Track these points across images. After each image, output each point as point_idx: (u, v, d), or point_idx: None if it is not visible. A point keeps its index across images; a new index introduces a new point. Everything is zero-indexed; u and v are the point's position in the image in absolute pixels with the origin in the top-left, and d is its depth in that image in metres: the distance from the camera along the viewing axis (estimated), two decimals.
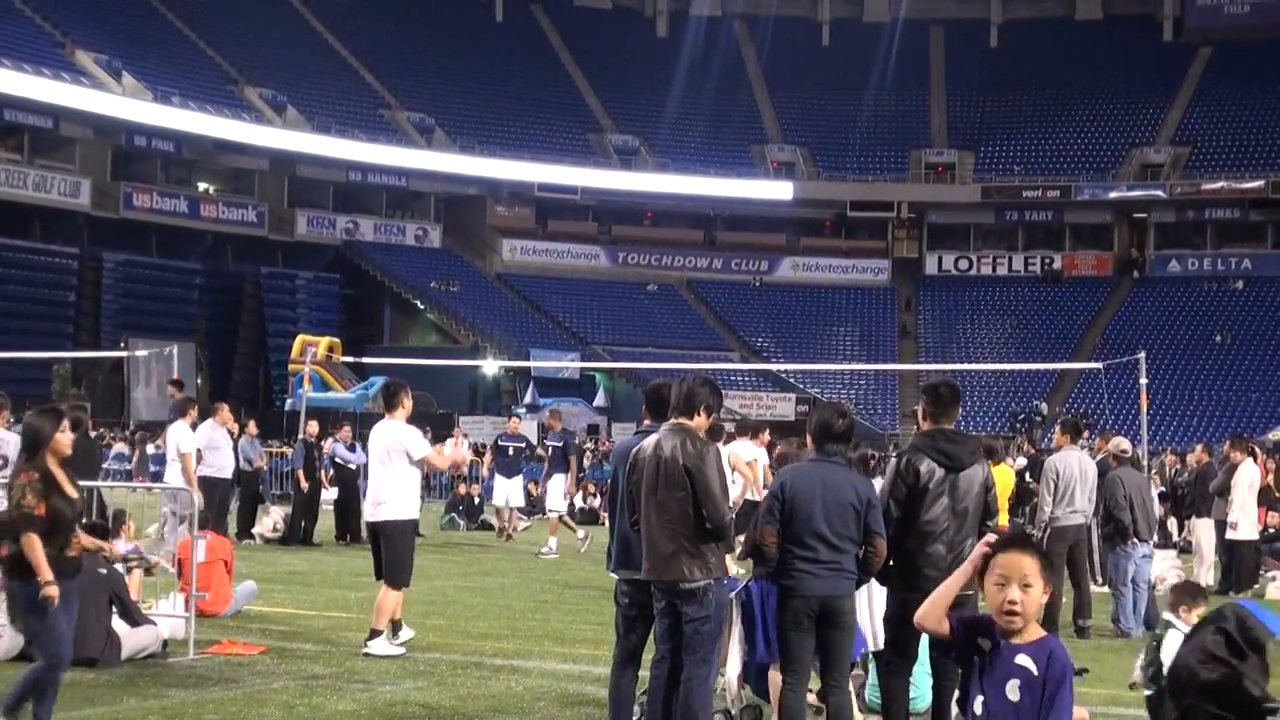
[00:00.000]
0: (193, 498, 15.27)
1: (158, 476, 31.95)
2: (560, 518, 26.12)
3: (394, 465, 13.64)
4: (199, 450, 21.14)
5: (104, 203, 65.30)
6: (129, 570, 10.11)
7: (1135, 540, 16.50)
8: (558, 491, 26.12)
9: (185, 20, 73.60)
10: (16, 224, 62.12)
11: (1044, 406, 64.30)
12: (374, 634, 13.50)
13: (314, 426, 28.99)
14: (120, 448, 43.97)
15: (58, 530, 8.92)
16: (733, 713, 10.41)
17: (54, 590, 8.80)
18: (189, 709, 10.65)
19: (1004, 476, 16.96)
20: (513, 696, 11.44)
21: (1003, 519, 16.79)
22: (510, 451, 26.98)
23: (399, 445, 13.63)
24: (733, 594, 9.91)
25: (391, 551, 13.59)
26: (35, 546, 8.80)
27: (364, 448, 28.21)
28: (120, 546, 11.17)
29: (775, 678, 9.83)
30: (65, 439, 9.15)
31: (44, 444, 9.04)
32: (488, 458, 30.65)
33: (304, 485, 27.03)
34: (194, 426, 21.29)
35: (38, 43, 65.19)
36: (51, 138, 63.52)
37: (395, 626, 13.87)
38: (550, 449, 26.42)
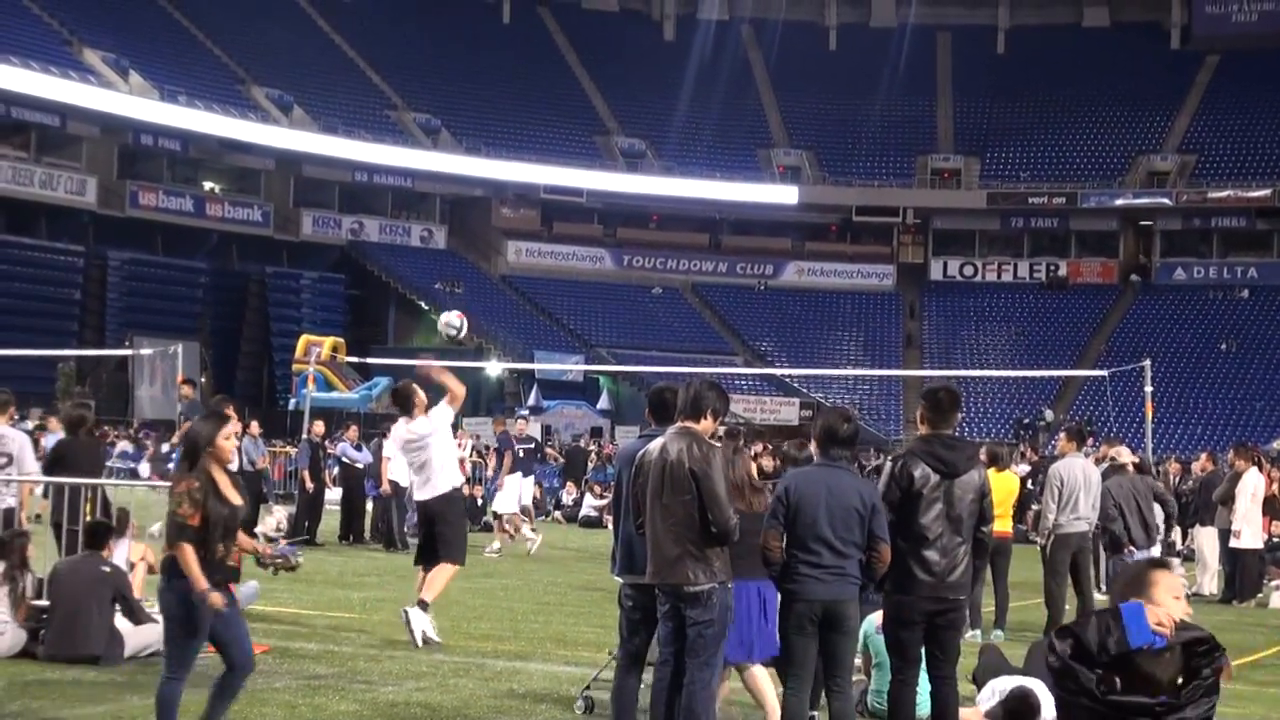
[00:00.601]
0: None
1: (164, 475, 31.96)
2: (500, 517, 26.81)
3: (429, 451, 14.28)
4: None
5: (110, 201, 65.34)
6: (278, 570, 9.97)
7: (1131, 548, 16.50)
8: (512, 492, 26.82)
9: (193, 20, 73.66)
10: (23, 221, 62.21)
11: (1049, 413, 64.36)
12: (422, 605, 13.91)
13: (320, 426, 28.98)
14: (124, 445, 43.98)
15: (212, 536, 8.72)
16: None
17: (217, 598, 8.62)
18: (191, 707, 10.62)
19: (1008, 483, 16.94)
20: (515, 698, 11.44)
21: (1007, 525, 16.79)
22: (520, 453, 27.24)
23: (431, 435, 14.33)
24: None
25: (446, 525, 14.19)
26: (188, 556, 8.64)
27: (370, 448, 28.35)
28: (272, 546, 10.92)
29: (758, 674, 10.00)
30: (228, 444, 8.96)
31: (204, 449, 8.86)
32: (493, 460, 30.75)
33: (309, 485, 27.06)
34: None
35: (45, 40, 65.25)
36: (58, 136, 63.58)
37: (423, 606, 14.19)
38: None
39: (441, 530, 14.29)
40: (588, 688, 11.20)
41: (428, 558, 14.45)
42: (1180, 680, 5.15)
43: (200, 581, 8.58)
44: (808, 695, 9.15)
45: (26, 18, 65.91)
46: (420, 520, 14.92)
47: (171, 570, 8.71)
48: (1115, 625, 5.10)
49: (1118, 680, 5.05)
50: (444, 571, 14.11)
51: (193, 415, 23.52)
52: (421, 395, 14.68)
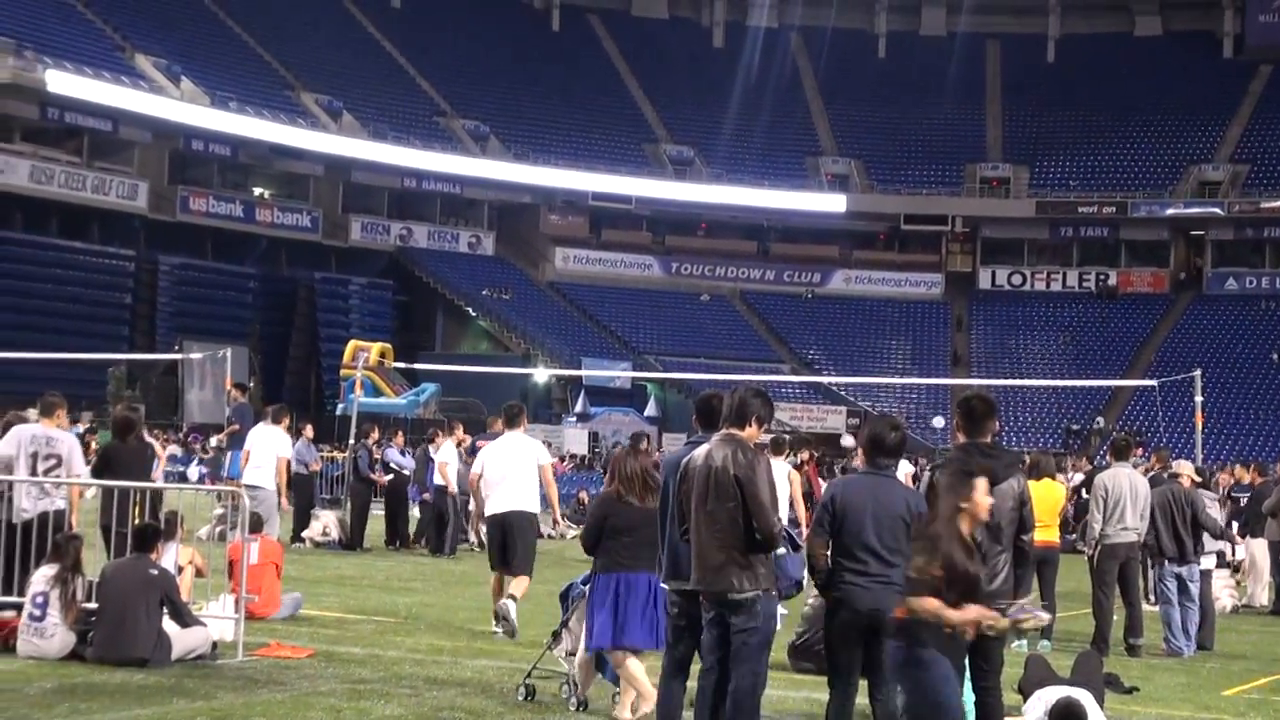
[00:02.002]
0: (244, 499, 15.34)
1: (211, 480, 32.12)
2: None
3: (526, 468, 15.29)
4: (249, 453, 21.25)
5: (161, 206, 65.73)
6: (1023, 633, 9.28)
7: (1164, 560, 16.44)
8: None
9: (244, 26, 74.05)
10: (75, 226, 62.61)
11: (1101, 420, 64.31)
12: (512, 599, 14.82)
13: (376, 433, 28.89)
14: (173, 449, 44.19)
15: (952, 591, 7.86)
16: (578, 696, 11.35)
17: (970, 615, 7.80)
18: (237, 711, 10.70)
19: (1052, 492, 16.85)
20: (559, 704, 11.44)
21: (1053, 535, 16.71)
22: None
23: (531, 454, 15.47)
24: (584, 585, 11.26)
25: (522, 540, 15.13)
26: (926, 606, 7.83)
27: (415, 454, 28.34)
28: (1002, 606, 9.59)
29: (620, 659, 10.83)
30: (985, 502, 8.20)
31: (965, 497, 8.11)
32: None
33: (383, 482, 27.28)
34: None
35: (98, 46, 65.74)
36: (110, 141, 63.98)
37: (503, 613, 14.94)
38: None
39: (519, 542, 15.08)
40: (528, 675, 11.64)
41: (503, 564, 15.25)
42: None
43: (950, 614, 7.83)
44: (853, 704, 9.13)
45: (80, 24, 66.46)
46: (494, 527, 15.48)
47: (911, 636, 7.90)
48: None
49: None
50: (520, 583, 15.05)
51: (241, 418, 23.62)
52: (526, 418, 16.05)
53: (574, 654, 11.47)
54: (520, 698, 11.50)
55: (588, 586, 11.16)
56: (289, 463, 21.23)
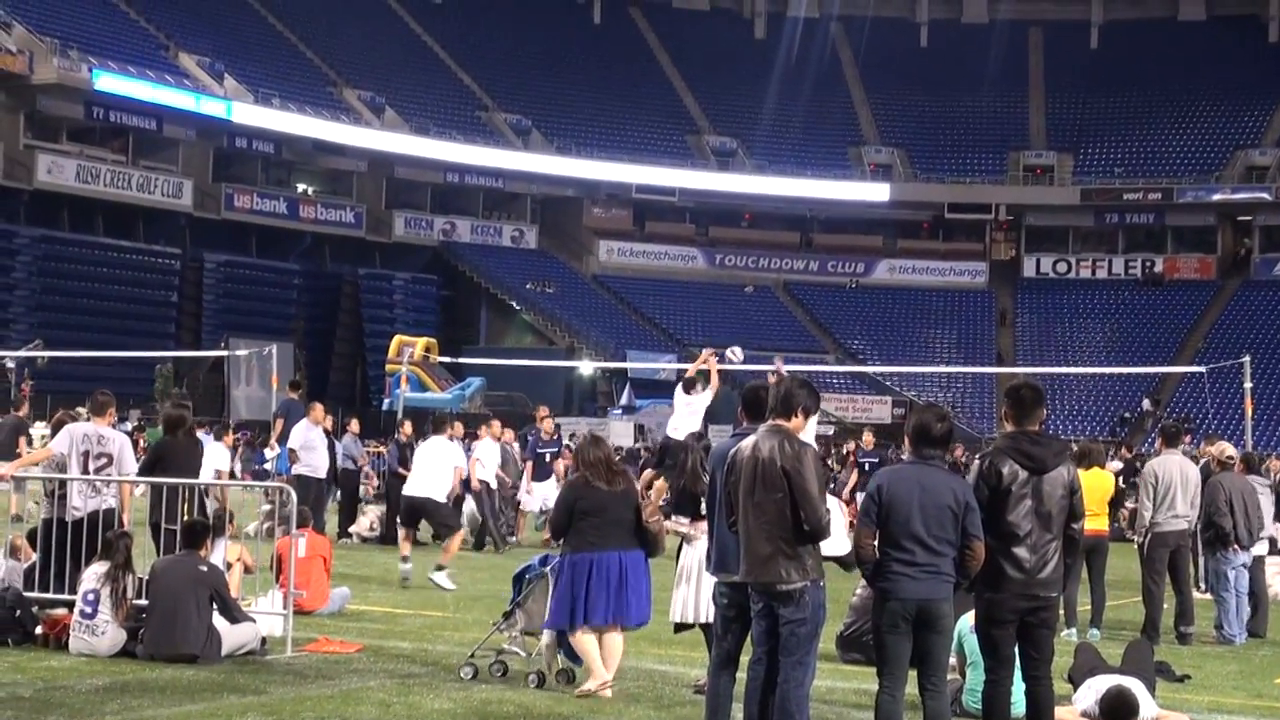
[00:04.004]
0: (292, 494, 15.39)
1: (261, 475, 32.25)
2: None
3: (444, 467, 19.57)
4: (294, 450, 21.30)
5: (205, 203, 66.07)
6: None
7: (1236, 546, 16.28)
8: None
9: (286, 23, 74.36)
10: (121, 224, 63.02)
11: (1147, 402, 64.05)
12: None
13: (409, 427, 28.95)
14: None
15: None
16: (546, 674, 11.78)
17: None
18: (287, 706, 10.74)
19: (1102, 481, 16.75)
20: (608, 698, 11.43)
21: (1103, 524, 16.62)
22: (546, 457, 27.52)
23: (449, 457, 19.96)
24: (547, 568, 11.88)
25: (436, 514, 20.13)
26: None
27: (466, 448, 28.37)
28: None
29: (581, 639, 11.36)
30: None
31: None
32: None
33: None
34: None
35: (142, 45, 66.12)
36: (155, 139, 64.33)
37: None
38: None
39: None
40: (472, 656, 12.12)
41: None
42: None
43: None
44: (902, 695, 9.09)
45: (124, 23, 66.87)
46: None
47: None
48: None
49: None
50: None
51: (289, 413, 23.74)
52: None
53: (531, 634, 11.99)
54: (465, 677, 11.88)
55: (547, 568, 11.79)
56: (228, 474, 21.36)
